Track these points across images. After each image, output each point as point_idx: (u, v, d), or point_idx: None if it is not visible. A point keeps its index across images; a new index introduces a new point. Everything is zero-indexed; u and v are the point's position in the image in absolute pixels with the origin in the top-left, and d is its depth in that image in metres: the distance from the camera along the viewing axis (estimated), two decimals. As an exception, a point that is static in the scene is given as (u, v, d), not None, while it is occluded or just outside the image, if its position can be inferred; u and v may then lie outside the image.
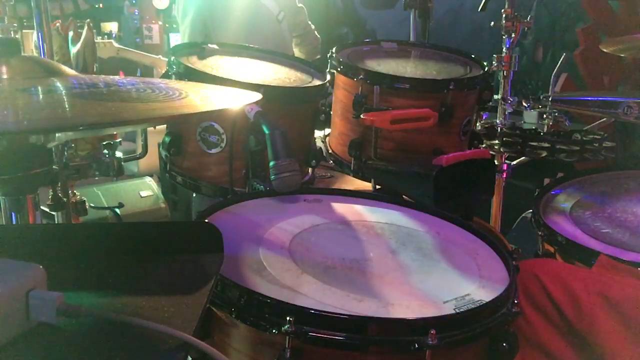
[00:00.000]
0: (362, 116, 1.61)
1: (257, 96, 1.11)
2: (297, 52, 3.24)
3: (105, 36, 3.65)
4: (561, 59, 2.06)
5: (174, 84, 1.25)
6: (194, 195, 2.44)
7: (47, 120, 0.83)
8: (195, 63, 1.69)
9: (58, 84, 1.05)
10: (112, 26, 6.22)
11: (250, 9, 2.92)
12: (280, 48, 2.89)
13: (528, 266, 1.31)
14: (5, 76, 1.05)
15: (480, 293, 1.04)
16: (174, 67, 1.61)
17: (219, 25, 2.87)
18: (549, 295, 1.23)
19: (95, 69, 2.11)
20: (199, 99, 1.11)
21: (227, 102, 1.11)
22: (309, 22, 3.26)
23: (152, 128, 2.01)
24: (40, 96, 0.98)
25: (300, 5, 3.19)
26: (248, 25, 2.87)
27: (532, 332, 1.22)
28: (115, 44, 3.59)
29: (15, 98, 0.95)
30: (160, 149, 1.69)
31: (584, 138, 1.85)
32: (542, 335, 1.22)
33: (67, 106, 0.92)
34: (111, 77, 1.19)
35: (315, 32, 3.29)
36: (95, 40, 3.48)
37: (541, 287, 1.24)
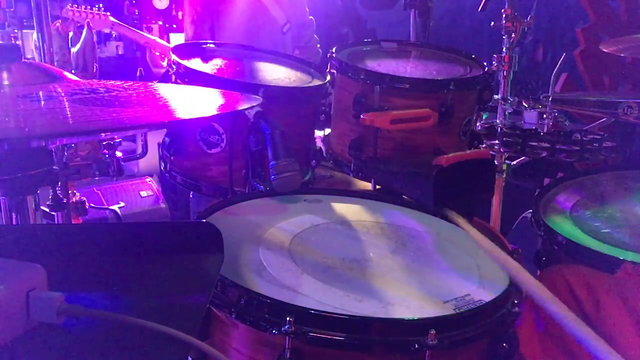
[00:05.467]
0: (362, 116, 1.61)
1: (257, 100, 1.11)
2: None
3: (99, 7, 3.53)
4: (561, 59, 2.06)
5: (174, 86, 1.26)
6: (191, 194, 2.44)
7: (49, 127, 0.83)
8: (196, 63, 1.69)
9: (59, 89, 1.05)
10: (112, 26, 6.21)
11: (256, 18, 2.88)
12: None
13: (559, 270, 1.38)
14: (6, 82, 1.05)
15: (480, 293, 1.04)
16: (174, 67, 1.61)
17: (222, 31, 2.85)
18: (573, 294, 1.29)
19: (95, 69, 2.11)
20: (199, 101, 1.11)
21: (227, 105, 1.11)
22: (315, 36, 3.22)
23: (152, 128, 2.01)
24: (42, 102, 0.98)
25: (311, 17, 3.14)
26: (251, 33, 2.84)
27: (556, 328, 1.27)
28: (111, 18, 3.47)
29: (17, 104, 0.95)
30: (160, 149, 1.69)
31: (584, 138, 1.85)
32: (566, 332, 1.28)
33: (68, 112, 0.92)
34: (112, 81, 1.19)
35: (318, 47, 3.23)
36: (90, 12, 3.44)
37: (568, 288, 1.30)
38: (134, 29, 3.70)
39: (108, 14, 3.51)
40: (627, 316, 1.22)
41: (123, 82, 1.16)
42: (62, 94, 1.02)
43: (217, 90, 1.27)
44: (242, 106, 1.09)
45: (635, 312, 1.22)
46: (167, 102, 1.05)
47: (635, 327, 1.21)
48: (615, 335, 1.21)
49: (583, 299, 1.27)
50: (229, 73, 1.73)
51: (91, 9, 3.48)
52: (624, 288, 1.26)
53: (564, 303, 1.29)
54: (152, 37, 3.63)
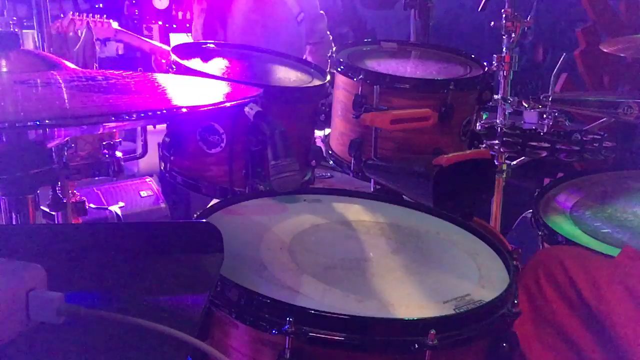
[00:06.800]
0: (362, 116, 1.61)
1: (257, 90, 1.11)
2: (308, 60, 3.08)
3: (105, 15, 3.43)
4: (561, 59, 2.06)
5: (174, 78, 1.25)
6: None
7: (45, 112, 0.83)
8: (196, 63, 1.69)
9: (57, 77, 1.05)
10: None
11: (270, 6, 2.83)
12: (297, 51, 2.81)
13: (554, 252, 1.35)
14: (4, 69, 1.05)
15: (480, 293, 1.04)
16: (174, 67, 1.61)
17: (235, 20, 2.79)
18: (571, 280, 1.25)
19: (95, 69, 2.11)
20: (199, 95, 1.11)
21: (228, 97, 1.10)
22: (328, 32, 3.15)
23: (151, 128, 2.01)
24: (39, 88, 0.97)
25: (321, 11, 3.07)
26: (266, 21, 2.79)
27: (551, 313, 1.25)
28: (114, 25, 3.31)
29: (14, 90, 0.95)
30: (160, 149, 1.69)
31: (584, 138, 1.85)
32: (561, 317, 1.25)
33: (65, 98, 0.92)
34: (110, 71, 1.19)
35: (332, 44, 3.16)
36: (92, 19, 3.37)
37: (564, 272, 1.26)
38: (138, 35, 3.61)
39: (111, 21, 3.42)
40: (629, 303, 1.17)
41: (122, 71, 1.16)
42: (60, 81, 1.02)
43: (217, 81, 1.27)
44: (243, 98, 1.09)
45: (638, 298, 1.17)
46: (166, 91, 1.05)
47: (638, 314, 1.16)
48: (618, 326, 1.16)
49: (582, 286, 1.22)
50: (229, 73, 1.73)
51: (93, 16, 3.41)
52: (627, 274, 1.21)
53: (561, 288, 1.25)
54: (158, 44, 3.57)
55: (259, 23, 2.79)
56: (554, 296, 1.26)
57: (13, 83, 0.99)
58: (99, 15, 3.44)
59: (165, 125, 1.69)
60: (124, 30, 3.53)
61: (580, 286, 1.23)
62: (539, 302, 1.26)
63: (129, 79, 1.09)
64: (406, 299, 1.00)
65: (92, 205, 2.58)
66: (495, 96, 1.99)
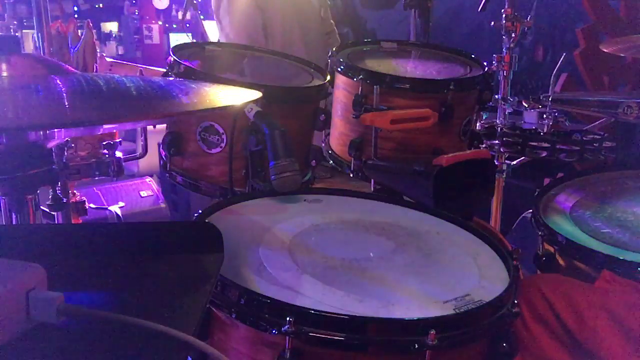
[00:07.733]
0: (362, 116, 1.61)
1: (257, 94, 1.11)
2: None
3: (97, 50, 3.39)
4: (561, 59, 2.06)
5: (174, 81, 1.25)
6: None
7: (46, 117, 0.83)
8: (196, 63, 1.69)
9: (58, 81, 1.05)
10: (112, 26, 6.22)
11: (302, 7, 2.85)
12: (323, 47, 2.85)
13: (533, 281, 1.33)
14: (5, 73, 1.05)
15: (480, 293, 1.04)
16: (174, 67, 1.61)
17: (276, 30, 2.82)
18: (552, 309, 1.24)
19: (95, 70, 2.11)
20: (200, 97, 1.11)
21: (227, 100, 1.10)
22: (332, 21, 3.18)
23: (151, 128, 2.01)
24: (40, 93, 0.97)
25: (329, 1, 3.12)
26: (301, 25, 2.81)
27: (535, 345, 1.23)
28: (108, 59, 3.17)
29: (15, 95, 0.95)
30: (160, 149, 1.69)
31: (584, 138, 1.85)
32: (546, 349, 1.23)
33: (66, 103, 0.92)
34: (111, 74, 1.19)
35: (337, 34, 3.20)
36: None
37: (545, 302, 1.25)
38: (134, 65, 3.57)
39: (104, 55, 3.35)
40: (613, 329, 1.17)
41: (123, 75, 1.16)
42: (61, 86, 1.02)
43: (217, 85, 1.27)
44: (242, 101, 1.08)
45: (622, 322, 1.17)
46: (168, 95, 1.05)
47: (624, 339, 1.15)
48: (603, 351, 1.16)
49: (564, 315, 1.22)
50: (229, 73, 1.73)
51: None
52: (606, 298, 1.21)
53: (544, 319, 1.23)
54: (159, 70, 3.53)
55: (295, 26, 2.81)
56: (539, 329, 1.24)
57: (14, 87, 0.99)
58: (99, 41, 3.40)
59: (165, 125, 1.69)
60: (118, 61, 3.49)
61: (563, 315, 1.22)
62: (526, 339, 1.24)
63: (129, 84, 1.09)
64: (406, 299, 1.00)
65: (92, 205, 2.58)
66: (495, 96, 1.99)
